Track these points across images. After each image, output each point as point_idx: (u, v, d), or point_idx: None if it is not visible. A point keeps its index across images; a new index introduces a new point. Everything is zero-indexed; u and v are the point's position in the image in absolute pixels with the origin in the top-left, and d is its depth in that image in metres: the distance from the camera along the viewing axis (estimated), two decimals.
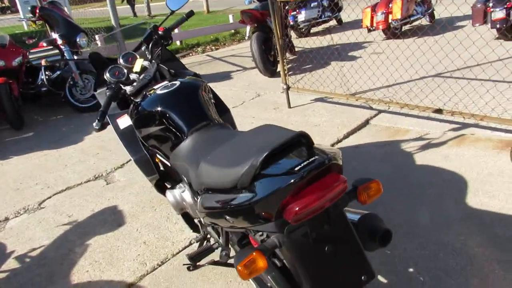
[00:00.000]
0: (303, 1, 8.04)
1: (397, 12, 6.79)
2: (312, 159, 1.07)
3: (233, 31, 9.41)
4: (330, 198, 1.06)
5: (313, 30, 8.98)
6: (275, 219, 1.08)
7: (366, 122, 3.81)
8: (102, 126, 1.93)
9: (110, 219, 2.83)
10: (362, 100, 3.84)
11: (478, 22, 5.90)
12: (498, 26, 5.68)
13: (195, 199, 1.82)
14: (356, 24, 8.46)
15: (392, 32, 7.02)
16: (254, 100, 4.92)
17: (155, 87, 2.01)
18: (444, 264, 1.98)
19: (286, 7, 6.86)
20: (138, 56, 2.25)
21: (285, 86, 4.36)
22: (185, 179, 1.83)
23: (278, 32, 4.19)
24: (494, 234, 2.13)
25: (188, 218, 2.26)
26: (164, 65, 2.35)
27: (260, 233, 1.28)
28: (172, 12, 2.43)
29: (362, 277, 1.22)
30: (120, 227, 2.71)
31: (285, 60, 4.37)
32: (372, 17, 7.04)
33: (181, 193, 2.06)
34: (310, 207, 1.03)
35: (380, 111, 3.99)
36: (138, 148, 2.11)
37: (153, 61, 2.24)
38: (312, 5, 8.24)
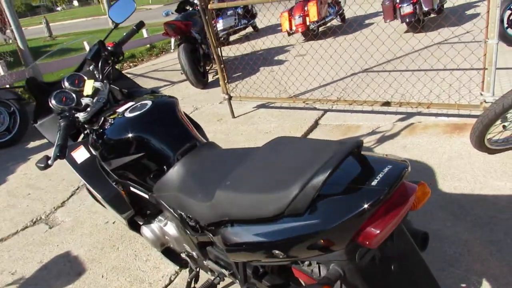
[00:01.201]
0: (221, 9, 7.96)
1: (313, 14, 7.00)
2: (386, 170, 0.93)
3: (148, 45, 9.01)
4: (405, 212, 0.93)
5: (231, 38, 8.93)
6: (346, 246, 0.93)
7: (316, 123, 3.80)
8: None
9: (66, 268, 2.43)
10: (310, 101, 3.82)
11: (389, 18, 6.28)
12: (407, 20, 6.10)
13: (186, 231, 1.60)
14: (272, 30, 8.62)
15: (311, 34, 7.23)
16: (194, 114, 4.69)
17: (119, 110, 1.74)
18: (443, 255, 1.98)
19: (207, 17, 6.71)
20: (85, 77, 1.96)
21: (226, 96, 4.20)
22: (173, 211, 1.60)
23: (214, 41, 4.03)
24: (476, 216, 2.19)
25: (171, 254, 2.00)
26: (114, 84, 2.08)
27: (307, 262, 1.12)
28: (117, 25, 2.17)
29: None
30: (81, 276, 2.34)
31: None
32: (290, 21, 7.18)
33: (163, 226, 1.82)
34: (390, 226, 0.90)
35: (325, 111, 4.01)
36: (106, 183, 1.81)
37: (105, 81, 1.96)
38: (228, 13, 8.18)
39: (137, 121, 1.60)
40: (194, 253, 1.73)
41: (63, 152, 1.50)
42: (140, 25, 2.20)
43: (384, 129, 3.38)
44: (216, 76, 6.27)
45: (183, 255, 1.91)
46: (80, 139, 2.02)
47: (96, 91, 1.89)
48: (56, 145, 1.52)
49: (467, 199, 2.32)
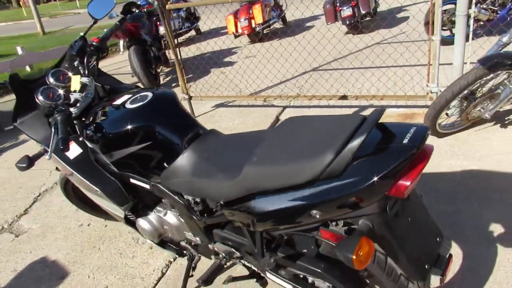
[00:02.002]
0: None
1: (258, 17, 7.20)
2: (413, 130, 1.07)
3: None
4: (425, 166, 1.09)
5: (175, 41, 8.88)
6: (380, 199, 1.06)
7: (277, 119, 3.96)
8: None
9: (45, 273, 2.35)
10: (271, 98, 3.97)
11: (330, 20, 6.65)
12: (347, 22, 6.50)
13: (193, 216, 1.65)
14: (216, 32, 8.72)
15: (256, 36, 7.43)
16: None
17: (116, 102, 1.75)
18: None
19: (154, 18, 6.66)
20: (69, 73, 1.94)
21: (187, 96, 4.23)
22: (178, 198, 1.65)
23: (172, 41, 4.05)
24: (437, 190, 2.45)
25: (168, 244, 2.03)
26: (96, 81, 2.07)
27: (334, 223, 1.23)
28: (96, 21, 2.15)
29: (437, 239, 1.29)
30: (64, 279, 2.28)
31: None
32: (236, 23, 7.32)
33: (162, 216, 1.86)
34: (417, 178, 1.04)
35: (284, 107, 4.18)
36: (103, 176, 1.81)
37: (91, 77, 1.95)
38: (171, 16, 8.14)
39: (141, 112, 1.63)
40: (197, 238, 1.78)
41: (67, 145, 1.49)
42: (123, 20, 2.21)
43: None
44: (167, 78, 6.25)
45: (183, 243, 1.95)
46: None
47: (83, 87, 1.87)
48: (59, 139, 1.50)
49: (428, 177, 2.59)
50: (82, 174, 1.81)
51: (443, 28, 5.17)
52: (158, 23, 7.09)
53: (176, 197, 1.69)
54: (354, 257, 1.05)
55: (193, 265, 1.98)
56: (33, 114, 1.95)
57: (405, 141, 1.05)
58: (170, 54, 5.68)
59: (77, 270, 2.32)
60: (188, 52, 6.96)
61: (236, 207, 1.37)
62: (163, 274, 2.20)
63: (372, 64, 4.41)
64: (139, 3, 6.41)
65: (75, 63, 1.98)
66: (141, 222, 1.93)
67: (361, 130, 1.05)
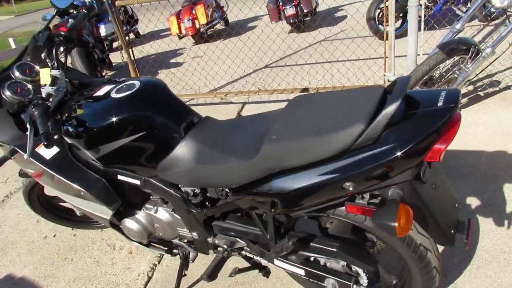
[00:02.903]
0: (100, 14, 7.54)
1: (202, 17, 7.11)
2: (444, 94, 1.08)
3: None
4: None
5: (114, 45, 8.53)
6: (413, 166, 1.07)
7: (239, 115, 3.92)
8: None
9: None
10: (231, 94, 3.93)
11: (274, 19, 6.75)
12: (291, 21, 6.63)
13: (191, 210, 1.59)
14: (157, 36, 8.49)
15: (200, 37, 7.34)
16: None
17: (98, 93, 1.62)
18: None
19: (94, 19, 6.35)
20: (36, 66, 1.79)
21: None
22: (174, 191, 1.57)
23: (124, 40, 3.88)
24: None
25: (155, 244, 1.92)
26: None
27: (360, 196, 1.23)
28: (59, 10, 2.00)
29: (456, 204, 1.33)
30: None
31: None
32: (179, 24, 7.17)
33: (153, 214, 1.76)
34: (450, 142, 1.06)
35: (244, 103, 4.16)
36: (87, 174, 1.67)
37: (61, 69, 1.79)
38: (109, 18, 7.79)
39: (131, 100, 1.52)
40: (194, 233, 1.70)
41: (51, 140, 1.36)
42: (91, 8, 2.06)
43: None
44: None
45: (175, 241, 1.85)
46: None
47: (53, 80, 1.72)
48: (42, 134, 1.36)
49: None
50: (62, 174, 1.65)
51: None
52: (97, 25, 6.78)
53: (172, 191, 1.61)
54: (396, 225, 1.05)
55: (184, 263, 1.90)
56: None
57: (440, 104, 1.06)
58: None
59: (50, 285, 2.13)
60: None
61: (251, 191, 1.32)
62: (149, 278, 2.08)
63: (331, 57, 4.50)
64: (75, 3, 6.06)
65: (42, 55, 1.82)
66: (128, 223, 1.81)
67: (394, 96, 1.05)
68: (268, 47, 4.50)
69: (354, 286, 1.45)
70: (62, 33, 1.85)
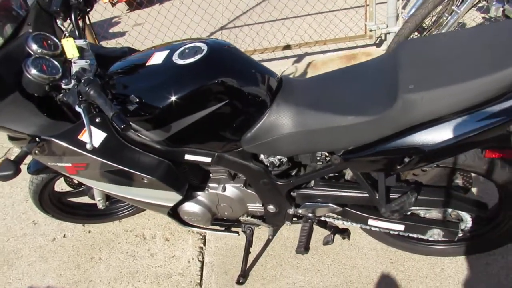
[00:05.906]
0: None
1: None
2: None
3: None
4: None
5: None
6: None
7: None
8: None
9: None
10: None
11: None
12: None
13: (273, 181, 1.45)
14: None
15: (134, 1, 6.73)
16: None
17: (152, 62, 1.36)
18: None
19: None
20: (53, 37, 1.47)
21: None
22: (253, 164, 1.42)
23: None
24: None
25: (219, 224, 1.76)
26: None
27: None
28: None
29: None
30: None
31: None
32: None
33: (221, 192, 1.58)
34: None
35: None
36: (150, 159, 1.44)
37: (85, 39, 1.49)
38: None
39: (206, 65, 1.29)
40: (270, 206, 1.56)
41: (125, 121, 1.12)
42: None
43: (290, 71, 3.55)
44: None
45: (242, 218, 1.70)
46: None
47: (81, 52, 1.42)
48: (113, 116, 1.11)
49: None
50: (118, 162, 1.40)
51: None
52: None
53: (251, 164, 1.44)
54: None
55: (249, 241, 1.77)
56: (8, 99, 1.41)
57: None
58: None
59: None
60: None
61: (375, 149, 1.20)
62: (202, 262, 1.91)
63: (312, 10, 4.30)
64: None
65: (59, 22, 1.49)
66: (189, 207, 1.63)
67: None
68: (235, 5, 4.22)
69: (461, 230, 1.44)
70: None
